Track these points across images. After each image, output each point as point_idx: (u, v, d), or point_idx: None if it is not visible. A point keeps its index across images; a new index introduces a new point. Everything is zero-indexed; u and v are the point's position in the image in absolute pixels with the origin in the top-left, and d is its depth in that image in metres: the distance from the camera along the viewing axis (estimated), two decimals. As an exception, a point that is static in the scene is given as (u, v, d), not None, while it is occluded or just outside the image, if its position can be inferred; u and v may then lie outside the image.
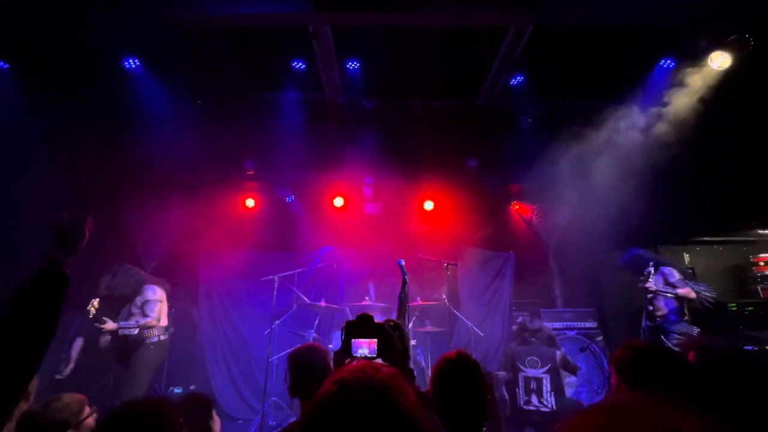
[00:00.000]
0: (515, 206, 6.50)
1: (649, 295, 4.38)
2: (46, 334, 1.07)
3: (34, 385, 1.73)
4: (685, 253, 5.63)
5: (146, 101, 4.86)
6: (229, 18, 3.78)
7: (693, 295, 4.40)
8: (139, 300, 4.20)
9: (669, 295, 4.41)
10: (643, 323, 4.38)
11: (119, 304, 4.26)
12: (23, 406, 1.64)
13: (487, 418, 1.44)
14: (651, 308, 4.36)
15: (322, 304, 4.85)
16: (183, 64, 4.75)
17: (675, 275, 4.55)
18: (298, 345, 2.42)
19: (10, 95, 4.48)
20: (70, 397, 1.77)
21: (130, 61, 4.63)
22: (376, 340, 1.10)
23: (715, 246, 5.71)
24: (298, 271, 5.11)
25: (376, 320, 1.16)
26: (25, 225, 4.33)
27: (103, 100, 4.79)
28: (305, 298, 4.88)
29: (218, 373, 5.55)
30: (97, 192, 4.98)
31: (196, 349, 5.67)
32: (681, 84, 4.49)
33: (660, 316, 4.41)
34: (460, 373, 1.49)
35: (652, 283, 4.36)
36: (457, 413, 1.41)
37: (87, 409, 1.80)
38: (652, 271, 4.38)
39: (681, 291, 4.40)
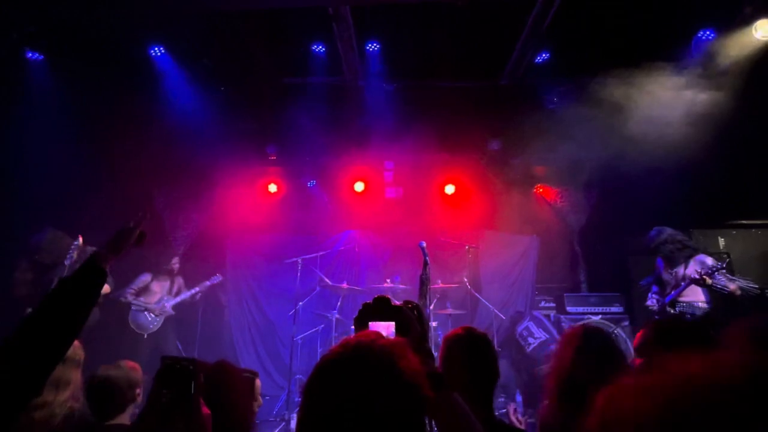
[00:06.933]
0: (539, 189, 6.35)
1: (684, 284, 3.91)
2: (76, 322, 1.07)
3: (77, 377, 1.67)
4: (720, 237, 5.36)
5: (172, 89, 4.98)
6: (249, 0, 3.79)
7: (739, 292, 4.06)
8: None
9: (721, 289, 3.83)
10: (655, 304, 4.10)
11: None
12: (63, 395, 1.60)
13: (490, 387, 1.48)
14: (674, 294, 4.06)
15: (344, 286, 4.94)
16: (206, 52, 4.81)
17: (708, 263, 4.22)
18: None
19: (46, 86, 4.66)
20: (129, 364, 1.82)
21: (156, 49, 4.72)
22: (393, 322, 1.03)
23: (753, 230, 5.40)
24: (320, 254, 5.21)
25: (394, 302, 1.11)
26: (62, 212, 4.57)
27: (132, 90, 4.92)
28: (328, 281, 4.97)
29: (246, 352, 5.80)
30: (128, 178, 5.18)
31: (224, 329, 5.92)
32: (721, 56, 4.21)
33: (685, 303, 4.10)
34: (466, 345, 1.54)
35: (694, 272, 3.84)
36: (462, 382, 1.45)
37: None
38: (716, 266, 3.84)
39: (732, 287, 3.94)
